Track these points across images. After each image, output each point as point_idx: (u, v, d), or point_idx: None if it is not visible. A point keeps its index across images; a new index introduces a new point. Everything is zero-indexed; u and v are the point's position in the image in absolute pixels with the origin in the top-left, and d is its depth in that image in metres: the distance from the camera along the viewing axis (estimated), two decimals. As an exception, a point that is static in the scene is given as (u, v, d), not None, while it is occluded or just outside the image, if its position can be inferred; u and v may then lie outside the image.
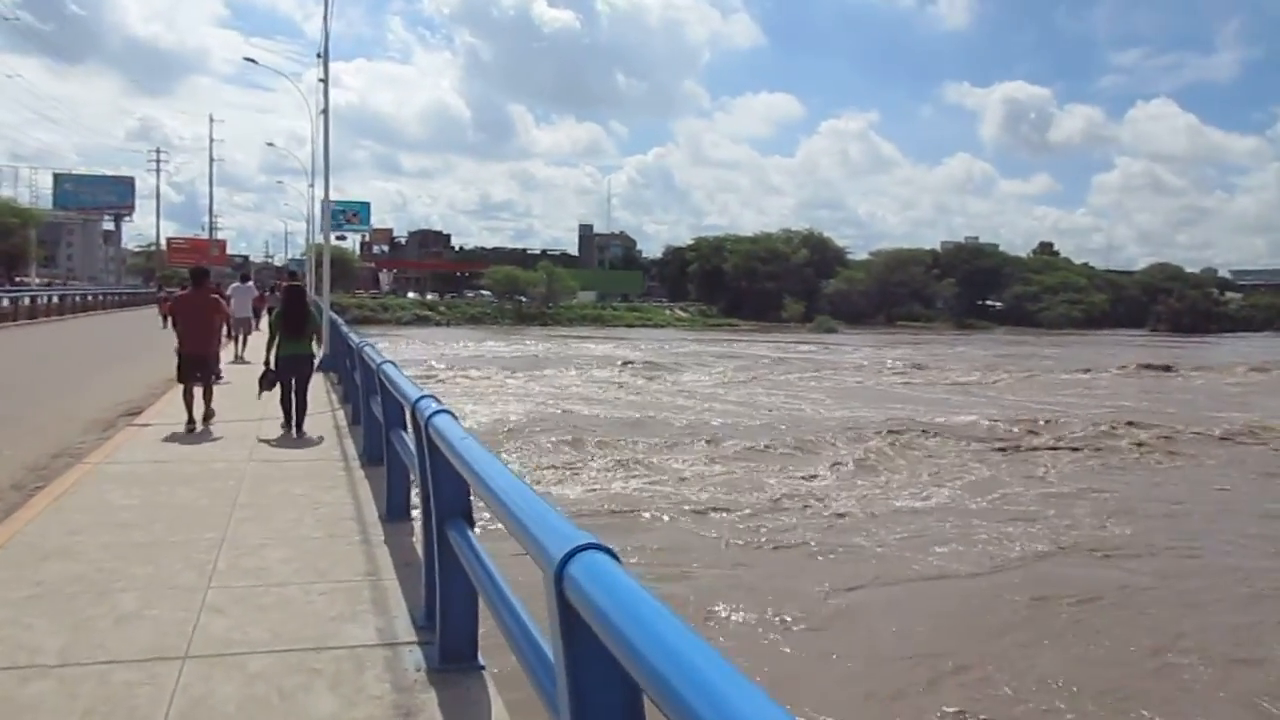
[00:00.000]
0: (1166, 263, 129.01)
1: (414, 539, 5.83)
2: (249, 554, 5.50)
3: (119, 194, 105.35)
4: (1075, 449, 19.23)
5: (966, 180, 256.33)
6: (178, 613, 4.46)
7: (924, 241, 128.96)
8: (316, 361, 11.35)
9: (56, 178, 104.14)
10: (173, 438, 9.77)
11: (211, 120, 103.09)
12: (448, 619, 3.97)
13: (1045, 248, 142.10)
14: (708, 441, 18.63)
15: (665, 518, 12.69)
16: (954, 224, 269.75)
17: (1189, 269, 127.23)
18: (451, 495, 3.85)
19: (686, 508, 13.15)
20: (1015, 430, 21.36)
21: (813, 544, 11.69)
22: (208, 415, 10.64)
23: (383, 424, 6.94)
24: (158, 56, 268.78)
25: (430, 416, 3.85)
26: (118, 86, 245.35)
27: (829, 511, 13.41)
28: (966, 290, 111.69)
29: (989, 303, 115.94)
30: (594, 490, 14.25)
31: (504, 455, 16.20)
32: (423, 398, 4.30)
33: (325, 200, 21.96)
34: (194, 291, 11.06)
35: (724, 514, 12.89)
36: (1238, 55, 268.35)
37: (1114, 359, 48.79)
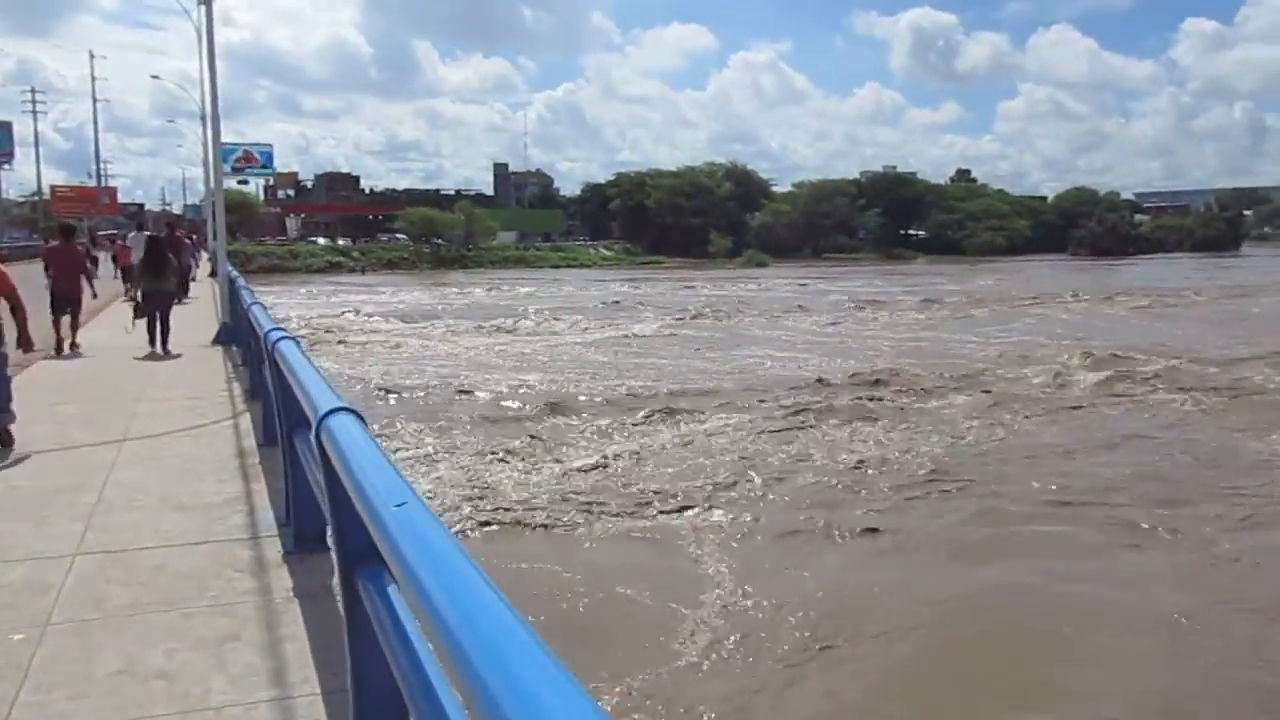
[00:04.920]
0: (1082, 187, 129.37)
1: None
2: None
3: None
4: None
5: (877, 110, 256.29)
6: None
7: (837, 173, 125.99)
8: (222, 334, 13.50)
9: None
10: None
11: (92, 56, 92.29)
12: None
13: (963, 175, 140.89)
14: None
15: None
16: (865, 154, 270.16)
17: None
18: None
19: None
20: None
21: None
22: (73, 343, 12.78)
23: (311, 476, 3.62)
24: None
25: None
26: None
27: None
28: (889, 220, 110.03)
29: (912, 232, 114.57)
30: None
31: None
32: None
33: (211, 129, 17.76)
34: (63, 243, 13.42)
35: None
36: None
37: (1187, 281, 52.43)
